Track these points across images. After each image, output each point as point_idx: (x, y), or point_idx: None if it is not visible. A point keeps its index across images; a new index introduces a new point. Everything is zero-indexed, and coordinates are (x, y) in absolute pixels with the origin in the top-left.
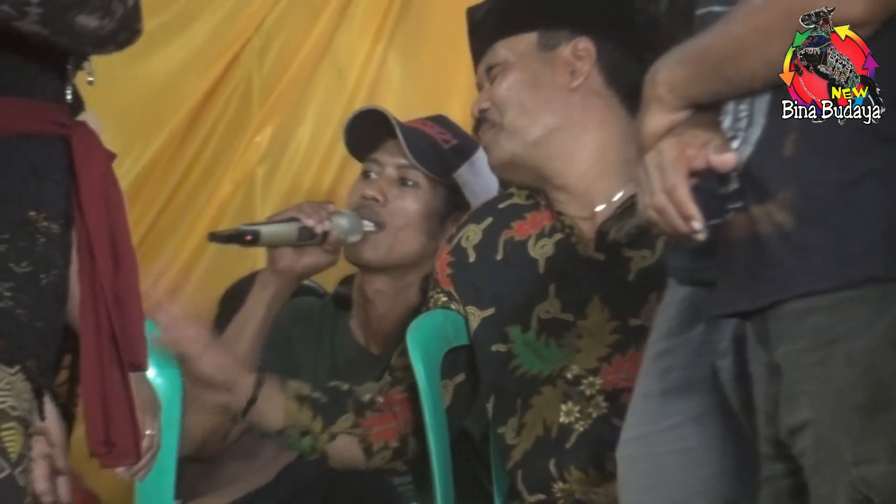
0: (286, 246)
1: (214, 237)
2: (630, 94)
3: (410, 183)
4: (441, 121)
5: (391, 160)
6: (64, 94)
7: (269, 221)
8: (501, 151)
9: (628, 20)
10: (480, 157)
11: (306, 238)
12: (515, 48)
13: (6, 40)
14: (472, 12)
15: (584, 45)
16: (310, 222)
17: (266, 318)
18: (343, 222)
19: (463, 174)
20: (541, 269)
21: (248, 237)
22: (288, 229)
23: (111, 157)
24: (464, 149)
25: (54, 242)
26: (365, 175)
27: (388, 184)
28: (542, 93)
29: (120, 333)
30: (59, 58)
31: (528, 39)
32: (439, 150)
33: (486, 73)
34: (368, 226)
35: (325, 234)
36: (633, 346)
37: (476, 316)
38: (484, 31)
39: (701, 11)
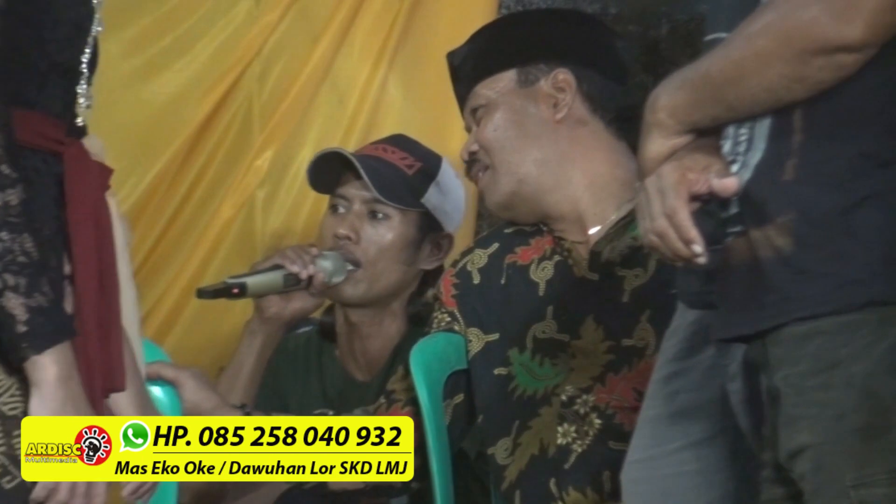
0: (273, 294)
1: (202, 293)
2: (615, 119)
3: (381, 216)
4: (400, 141)
5: (358, 194)
6: (66, 112)
7: (254, 272)
8: (496, 193)
9: (604, 46)
10: (446, 175)
11: (292, 284)
12: (496, 87)
13: (12, 53)
14: (451, 57)
15: (563, 75)
16: (294, 268)
17: (257, 367)
18: (327, 264)
19: (431, 197)
20: (541, 292)
21: (235, 290)
22: (273, 278)
23: (107, 173)
24: (428, 171)
25: (45, 244)
26: (333, 209)
27: (358, 219)
28: (528, 129)
29: (102, 359)
30: (66, 77)
31: (508, 77)
32: (404, 177)
33: (472, 116)
34: (349, 266)
35: (311, 278)
36: (626, 367)
37: (479, 339)
38: (464, 75)
39: (709, 38)
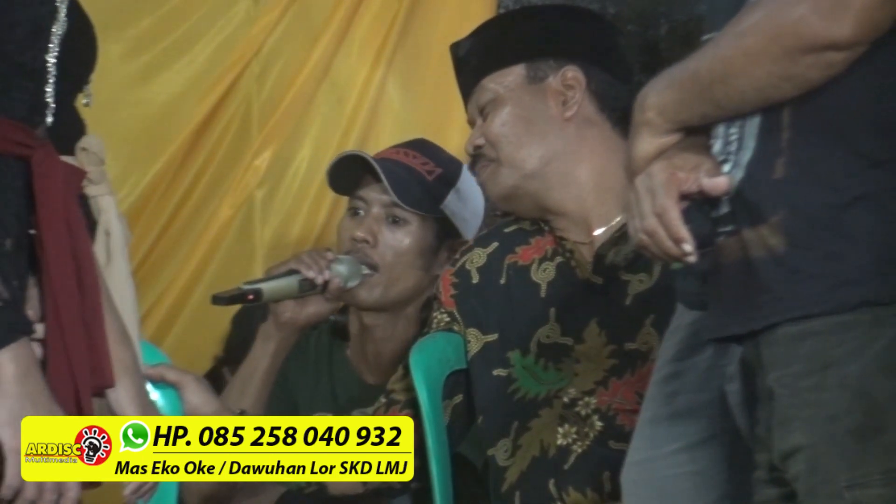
0: (288, 299)
1: (217, 300)
2: (622, 118)
3: (399, 221)
4: (422, 147)
5: (377, 198)
6: (33, 115)
7: (269, 277)
8: (500, 186)
9: (611, 44)
10: (465, 182)
11: (308, 289)
12: (504, 82)
13: None
14: (455, 49)
15: (573, 73)
16: (310, 273)
17: (270, 371)
18: (342, 269)
19: (450, 204)
20: (542, 294)
21: (251, 296)
22: (289, 283)
23: (79, 175)
24: (448, 177)
25: (2, 260)
26: (352, 212)
27: (376, 223)
28: (536, 125)
29: (84, 359)
30: (31, 79)
31: (516, 72)
32: (424, 183)
33: (478, 110)
34: (364, 269)
35: (326, 283)
36: (629, 371)
37: (478, 339)
38: (469, 68)
39: (706, 37)
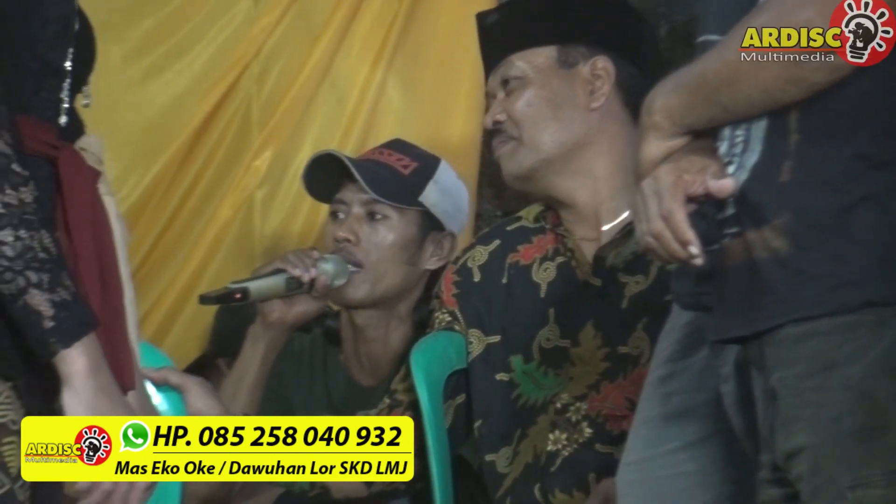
0: (275, 298)
1: (204, 299)
2: None
3: (379, 216)
4: (397, 145)
5: (355, 197)
6: (57, 115)
7: (256, 276)
8: (517, 166)
9: (641, 37)
10: (445, 175)
11: (294, 288)
12: (533, 62)
13: (3, 54)
14: (482, 17)
15: (603, 64)
16: (296, 272)
17: (261, 372)
18: (329, 267)
19: (429, 195)
20: (542, 294)
21: (238, 295)
22: (276, 282)
23: (97, 175)
24: (425, 170)
25: (63, 255)
26: (333, 216)
27: (357, 222)
28: (561, 111)
29: (108, 360)
30: (56, 78)
31: (547, 54)
32: (400, 177)
33: (501, 84)
34: (351, 267)
35: (313, 281)
36: (621, 374)
37: (480, 341)
38: (497, 39)
39: (699, 40)
